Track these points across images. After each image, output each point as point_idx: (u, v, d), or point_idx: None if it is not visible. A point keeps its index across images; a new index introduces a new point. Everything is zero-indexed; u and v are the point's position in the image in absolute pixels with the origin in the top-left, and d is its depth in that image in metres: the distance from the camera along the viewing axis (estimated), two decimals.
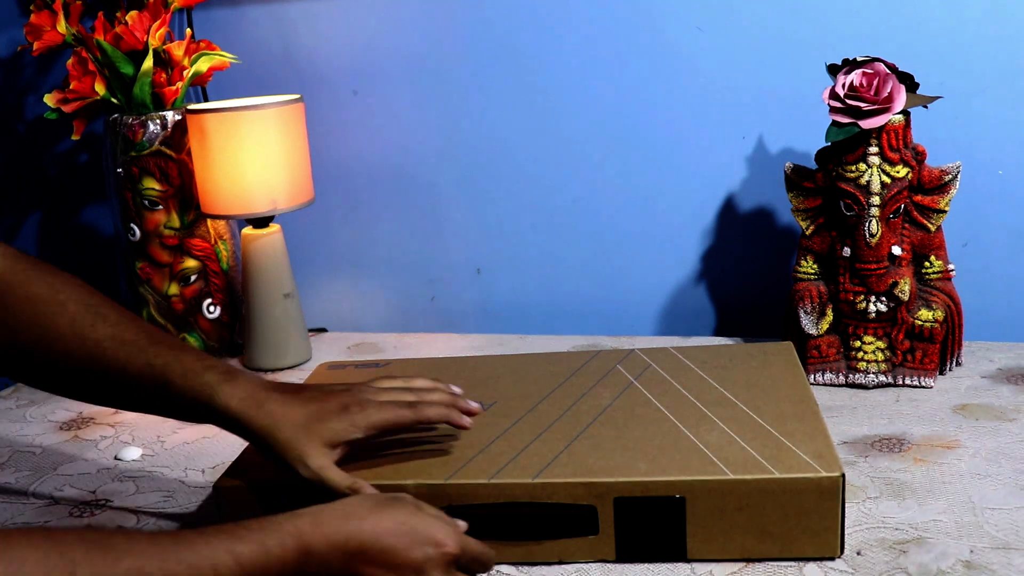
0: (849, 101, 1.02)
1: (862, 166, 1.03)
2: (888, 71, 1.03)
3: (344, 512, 0.66)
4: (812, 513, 0.72)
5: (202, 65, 1.29)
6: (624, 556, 0.75)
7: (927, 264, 1.08)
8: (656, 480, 0.73)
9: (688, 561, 0.74)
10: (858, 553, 0.74)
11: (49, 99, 1.29)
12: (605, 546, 0.75)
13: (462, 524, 0.71)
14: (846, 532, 0.76)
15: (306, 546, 0.63)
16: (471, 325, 1.42)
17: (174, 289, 1.30)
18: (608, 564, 0.75)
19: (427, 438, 0.82)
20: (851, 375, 1.07)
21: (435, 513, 0.70)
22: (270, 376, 1.24)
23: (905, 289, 1.05)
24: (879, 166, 1.03)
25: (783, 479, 0.72)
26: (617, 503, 0.73)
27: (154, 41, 1.24)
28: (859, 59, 1.04)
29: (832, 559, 0.73)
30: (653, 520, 0.73)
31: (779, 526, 0.72)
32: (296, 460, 0.74)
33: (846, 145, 1.04)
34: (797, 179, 1.10)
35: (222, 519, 0.79)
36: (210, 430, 1.07)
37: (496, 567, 0.75)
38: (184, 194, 1.29)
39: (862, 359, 1.07)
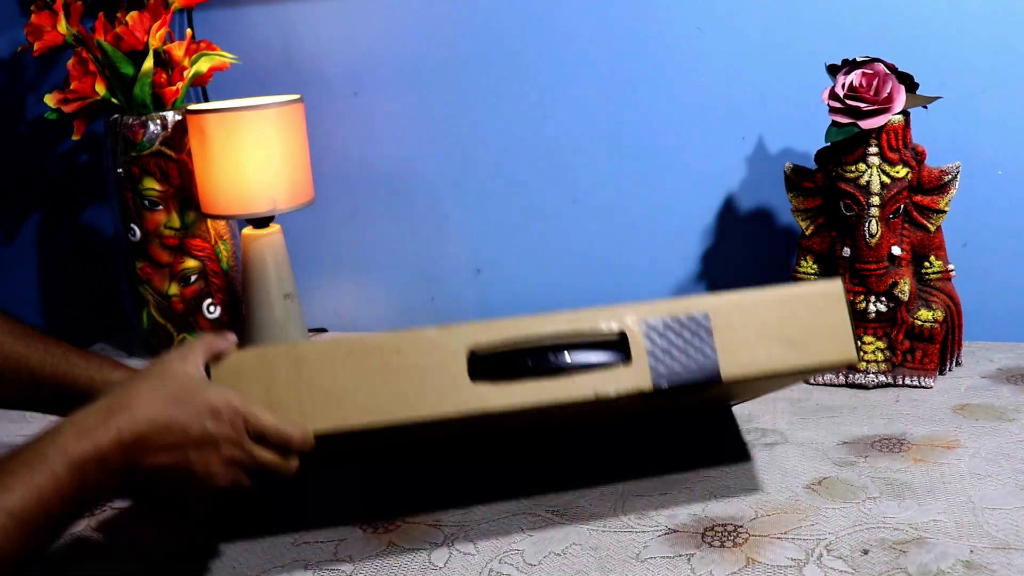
0: (849, 101, 1.02)
1: (862, 166, 1.03)
2: (888, 71, 1.03)
3: (107, 407, 0.60)
4: (822, 315, 0.76)
5: (202, 65, 1.29)
6: (659, 385, 0.73)
7: (927, 264, 1.08)
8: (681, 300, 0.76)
9: (721, 383, 0.74)
10: (864, 552, 0.74)
11: (50, 99, 1.29)
12: (639, 374, 0.73)
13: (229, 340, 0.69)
14: (847, 533, 0.77)
15: (79, 463, 0.57)
16: None
17: (174, 289, 1.30)
18: (614, 558, 0.75)
19: None
20: (851, 375, 1.07)
21: (204, 358, 0.66)
22: None
23: (905, 289, 1.05)
24: (879, 166, 1.03)
25: (792, 289, 0.79)
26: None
27: (154, 41, 1.24)
28: (859, 59, 1.04)
29: (852, 369, 0.74)
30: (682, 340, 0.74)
31: (798, 331, 0.75)
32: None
33: (846, 145, 1.04)
34: (797, 179, 1.10)
35: None
36: None
37: (500, 556, 0.76)
38: (184, 194, 1.29)
39: (862, 359, 1.07)
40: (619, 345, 0.74)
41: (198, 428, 0.61)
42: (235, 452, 0.63)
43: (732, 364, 0.74)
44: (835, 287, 0.78)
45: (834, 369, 0.77)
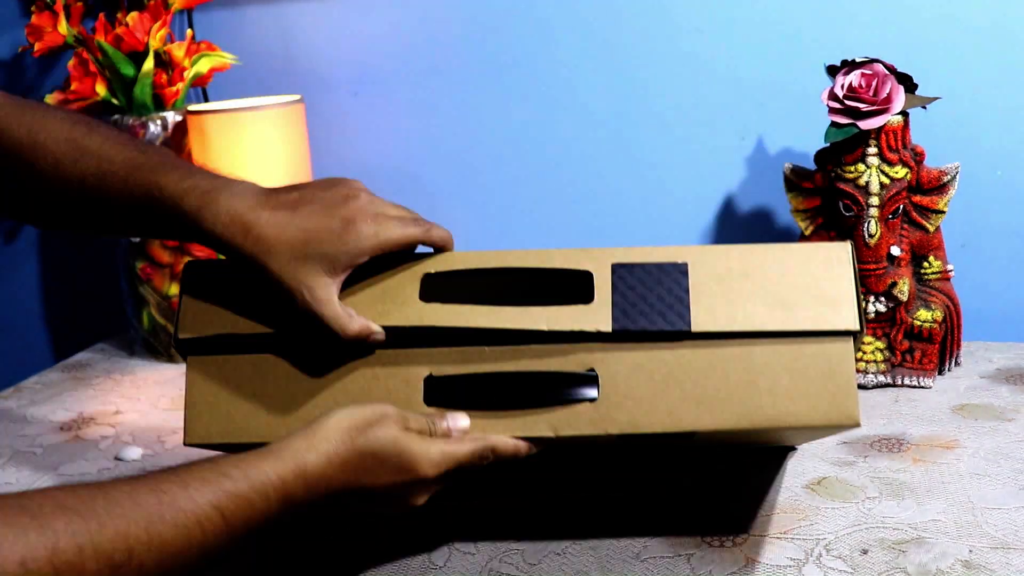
0: (848, 102, 1.02)
1: (861, 167, 1.03)
2: (887, 72, 1.03)
3: (326, 455, 0.64)
4: (824, 280, 0.68)
5: (203, 66, 1.30)
6: (619, 327, 0.68)
7: (926, 264, 1.08)
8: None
9: (690, 334, 0.68)
10: (863, 552, 0.74)
11: (50, 100, 1.29)
12: (599, 314, 0.68)
13: (461, 424, 0.70)
14: (846, 533, 0.77)
15: (289, 496, 0.62)
16: None
17: (174, 289, 1.30)
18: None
19: None
20: None
21: (418, 427, 0.68)
22: None
23: (904, 289, 1.05)
24: (878, 167, 1.03)
25: (790, 246, 0.70)
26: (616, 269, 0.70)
27: (155, 42, 1.24)
28: (858, 60, 1.04)
29: (851, 334, 0.68)
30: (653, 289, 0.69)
31: (789, 293, 0.68)
32: (292, 292, 0.68)
33: (845, 146, 1.04)
34: (796, 180, 1.10)
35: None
36: None
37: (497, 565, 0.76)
38: None
39: (861, 359, 1.07)
40: (584, 287, 0.69)
41: (399, 484, 0.66)
42: (436, 487, 0.69)
43: (706, 317, 0.68)
44: (842, 248, 0.70)
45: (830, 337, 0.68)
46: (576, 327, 0.69)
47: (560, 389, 0.69)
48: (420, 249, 0.74)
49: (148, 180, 0.71)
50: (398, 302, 0.71)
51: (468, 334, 0.70)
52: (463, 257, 0.73)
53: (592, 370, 0.68)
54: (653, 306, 0.69)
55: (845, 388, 0.68)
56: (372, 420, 0.66)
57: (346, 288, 0.71)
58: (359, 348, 0.71)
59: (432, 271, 0.72)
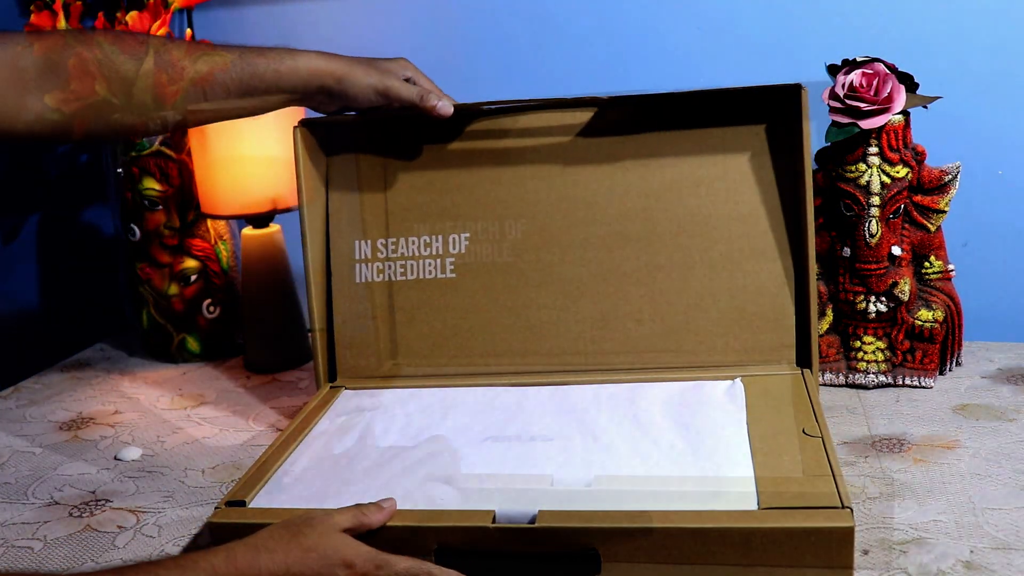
0: (849, 101, 1.02)
1: (862, 166, 1.03)
2: (888, 71, 1.03)
3: (255, 545, 0.67)
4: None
5: None
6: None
7: (927, 264, 1.08)
8: None
9: None
10: (864, 552, 0.74)
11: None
12: None
13: (386, 508, 0.73)
14: None
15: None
16: None
17: (174, 289, 1.30)
18: None
19: None
20: (851, 375, 1.07)
21: (349, 525, 0.71)
22: (270, 378, 1.24)
23: (905, 289, 1.05)
24: (879, 166, 1.03)
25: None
26: None
27: None
28: (859, 59, 1.04)
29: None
30: None
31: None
32: (377, 88, 0.95)
33: (846, 145, 1.04)
34: None
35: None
36: (209, 430, 1.07)
37: None
38: (184, 194, 1.29)
39: (862, 359, 1.07)
40: None
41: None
42: None
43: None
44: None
45: None
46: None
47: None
48: None
49: (230, 50, 0.91)
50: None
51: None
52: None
53: (593, 549, 0.70)
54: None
55: None
56: (303, 518, 0.70)
57: None
58: None
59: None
